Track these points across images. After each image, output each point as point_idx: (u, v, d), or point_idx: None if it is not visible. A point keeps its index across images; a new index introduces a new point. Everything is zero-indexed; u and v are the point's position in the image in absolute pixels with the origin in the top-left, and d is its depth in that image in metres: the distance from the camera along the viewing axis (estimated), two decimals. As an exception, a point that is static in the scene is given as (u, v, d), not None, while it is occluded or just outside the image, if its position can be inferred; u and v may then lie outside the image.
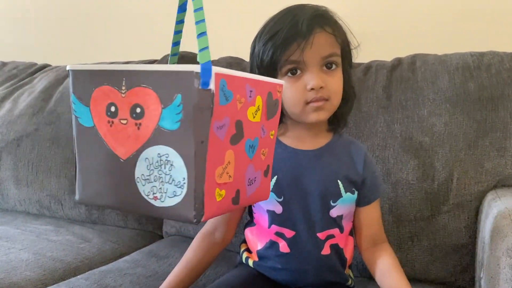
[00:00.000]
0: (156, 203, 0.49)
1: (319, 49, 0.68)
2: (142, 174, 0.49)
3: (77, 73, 0.53)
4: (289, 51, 0.67)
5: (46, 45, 1.85)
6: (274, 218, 0.74)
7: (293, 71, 0.69)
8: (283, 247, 0.74)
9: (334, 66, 0.70)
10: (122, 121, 0.50)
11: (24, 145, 1.31)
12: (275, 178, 0.73)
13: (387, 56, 1.09)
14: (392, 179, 0.94)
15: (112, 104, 0.50)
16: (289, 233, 0.74)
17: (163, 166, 0.48)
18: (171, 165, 0.48)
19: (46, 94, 1.38)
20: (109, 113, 0.51)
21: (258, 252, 0.77)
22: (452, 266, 0.91)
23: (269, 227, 0.74)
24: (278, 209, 0.73)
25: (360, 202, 0.77)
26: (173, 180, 0.48)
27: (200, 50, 0.48)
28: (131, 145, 0.50)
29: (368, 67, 1.06)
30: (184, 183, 0.48)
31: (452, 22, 1.21)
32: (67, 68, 0.54)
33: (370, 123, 0.98)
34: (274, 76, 0.70)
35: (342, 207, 0.74)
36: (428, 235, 0.92)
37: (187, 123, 0.47)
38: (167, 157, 0.48)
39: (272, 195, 0.73)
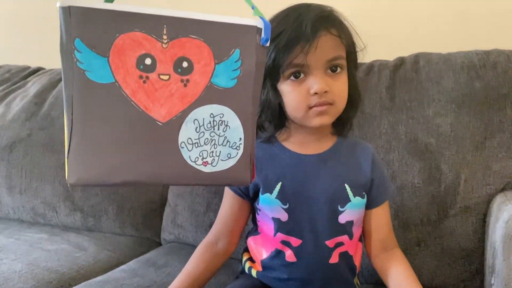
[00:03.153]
0: (206, 169, 0.45)
1: (323, 52, 0.65)
2: (189, 138, 0.44)
3: (87, 12, 0.42)
4: (292, 54, 0.64)
5: (40, 48, 1.82)
6: (279, 226, 0.71)
7: (296, 75, 0.66)
8: (289, 256, 0.71)
9: (339, 69, 0.67)
10: (162, 77, 0.43)
11: (17, 151, 1.27)
12: (279, 184, 0.70)
13: (389, 55, 1.06)
14: (398, 182, 0.91)
15: (147, 55, 0.43)
16: (295, 242, 0.71)
17: (216, 127, 0.45)
18: (226, 125, 0.45)
19: (40, 98, 1.35)
20: (142, 67, 0.43)
21: (262, 262, 0.74)
22: (460, 272, 0.88)
23: (275, 235, 0.71)
24: (284, 216, 0.70)
25: (369, 204, 0.74)
26: (228, 141, 0.45)
27: (252, 6, 0.46)
28: (175, 105, 0.43)
29: (370, 67, 1.04)
30: (241, 143, 0.45)
31: (455, 20, 1.19)
32: (62, 5, 0.42)
33: (373, 124, 0.95)
34: (277, 79, 0.67)
35: (351, 212, 0.71)
36: (435, 240, 0.89)
37: (246, 80, 0.44)
38: (221, 117, 0.45)
39: (277, 202, 0.70)
